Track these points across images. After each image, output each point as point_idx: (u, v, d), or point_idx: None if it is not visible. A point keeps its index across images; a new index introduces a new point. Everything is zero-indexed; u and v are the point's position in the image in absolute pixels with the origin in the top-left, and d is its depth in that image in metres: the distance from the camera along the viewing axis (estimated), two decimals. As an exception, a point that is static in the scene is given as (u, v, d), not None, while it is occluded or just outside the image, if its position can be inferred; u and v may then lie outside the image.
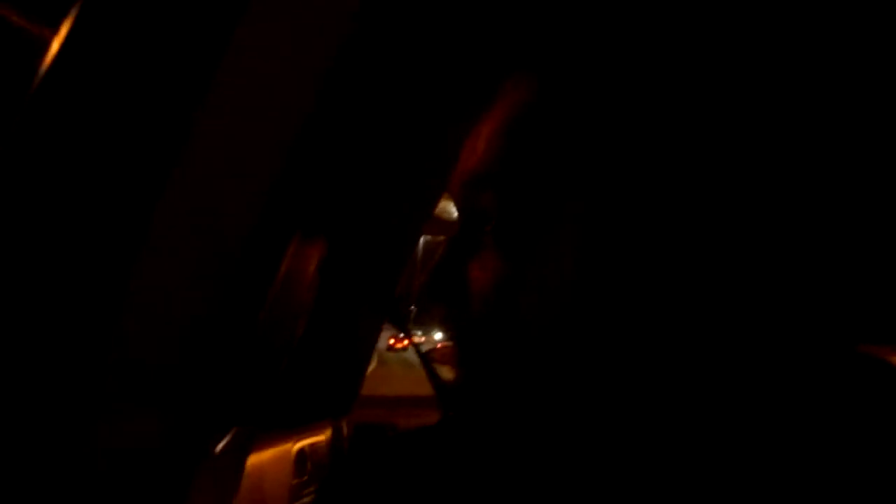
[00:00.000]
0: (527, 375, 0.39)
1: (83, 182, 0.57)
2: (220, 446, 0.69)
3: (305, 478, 1.11)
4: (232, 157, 0.61)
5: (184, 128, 0.59)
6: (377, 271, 1.13)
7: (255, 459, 0.96)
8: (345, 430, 1.31)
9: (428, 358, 0.60)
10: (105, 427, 0.60)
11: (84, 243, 0.58)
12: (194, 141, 0.59)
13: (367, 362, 1.34)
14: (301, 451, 1.12)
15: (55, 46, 0.55)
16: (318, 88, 0.63)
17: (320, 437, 1.22)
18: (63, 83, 0.56)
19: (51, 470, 0.56)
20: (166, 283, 0.61)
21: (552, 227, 0.39)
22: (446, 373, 0.65)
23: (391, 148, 0.99)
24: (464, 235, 0.44)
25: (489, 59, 0.74)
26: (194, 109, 0.59)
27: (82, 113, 0.57)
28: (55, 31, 0.55)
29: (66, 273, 0.57)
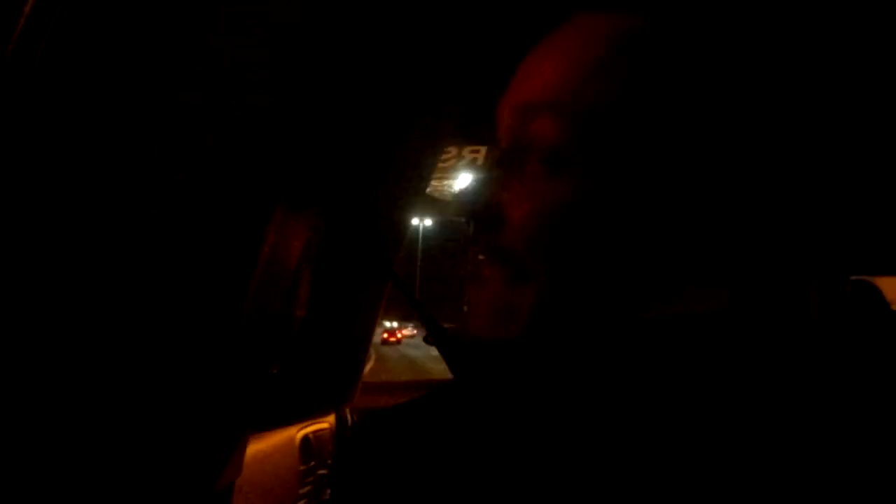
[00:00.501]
0: (586, 305, 0.40)
1: (59, 157, 0.56)
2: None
3: (312, 463, 1.12)
4: (210, 117, 0.58)
5: (161, 96, 0.57)
6: (374, 246, 1.10)
7: (259, 447, 0.97)
8: (348, 417, 1.32)
9: (435, 322, 0.60)
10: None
11: (55, 229, 0.56)
12: (169, 108, 0.57)
13: (368, 347, 1.34)
14: (305, 437, 1.13)
15: (27, 8, 0.54)
16: (304, 31, 0.60)
17: (324, 425, 1.22)
18: (36, 48, 0.54)
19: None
20: (144, 276, 0.59)
21: (625, 159, 0.39)
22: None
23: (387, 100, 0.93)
24: (507, 162, 0.43)
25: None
26: (171, 72, 0.57)
27: (55, 84, 0.55)
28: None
29: (38, 259, 0.56)
